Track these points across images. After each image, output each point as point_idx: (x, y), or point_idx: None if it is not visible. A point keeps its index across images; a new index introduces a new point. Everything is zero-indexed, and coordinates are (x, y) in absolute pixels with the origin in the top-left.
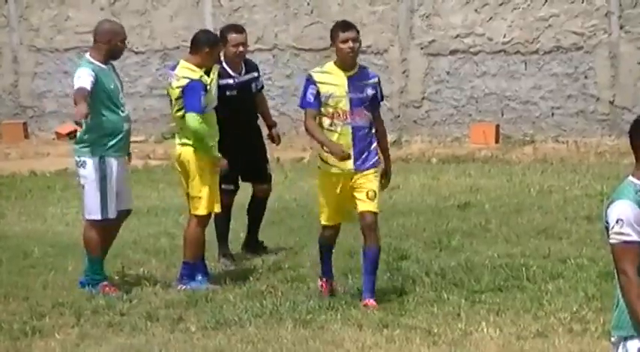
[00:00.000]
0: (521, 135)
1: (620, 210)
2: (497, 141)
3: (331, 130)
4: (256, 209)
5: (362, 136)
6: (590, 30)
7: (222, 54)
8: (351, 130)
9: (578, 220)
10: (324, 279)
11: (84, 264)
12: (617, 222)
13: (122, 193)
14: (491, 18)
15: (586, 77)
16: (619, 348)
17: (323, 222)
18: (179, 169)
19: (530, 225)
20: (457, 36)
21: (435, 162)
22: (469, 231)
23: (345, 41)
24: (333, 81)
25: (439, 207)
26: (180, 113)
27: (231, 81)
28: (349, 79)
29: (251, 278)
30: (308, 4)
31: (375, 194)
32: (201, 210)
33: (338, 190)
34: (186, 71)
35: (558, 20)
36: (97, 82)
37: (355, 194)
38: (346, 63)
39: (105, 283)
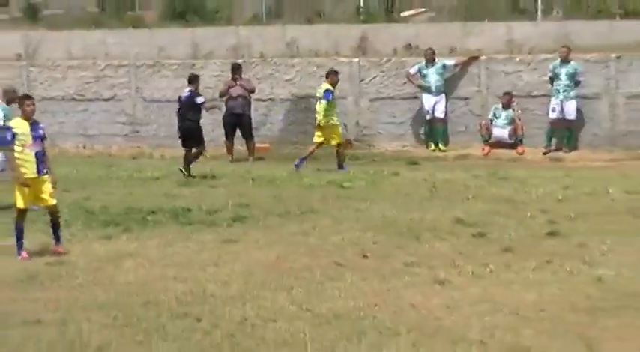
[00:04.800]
0: None
1: None
2: None
3: (24, 154)
4: None
5: (40, 156)
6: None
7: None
8: (35, 154)
9: None
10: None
11: None
12: None
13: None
14: None
15: None
16: None
17: (21, 206)
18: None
19: None
20: None
21: None
22: None
23: (29, 105)
24: (21, 126)
25: None
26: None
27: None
28: (30, 125)
29: None
30: None
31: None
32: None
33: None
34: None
35: None
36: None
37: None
38: (27, 117)
39: None
